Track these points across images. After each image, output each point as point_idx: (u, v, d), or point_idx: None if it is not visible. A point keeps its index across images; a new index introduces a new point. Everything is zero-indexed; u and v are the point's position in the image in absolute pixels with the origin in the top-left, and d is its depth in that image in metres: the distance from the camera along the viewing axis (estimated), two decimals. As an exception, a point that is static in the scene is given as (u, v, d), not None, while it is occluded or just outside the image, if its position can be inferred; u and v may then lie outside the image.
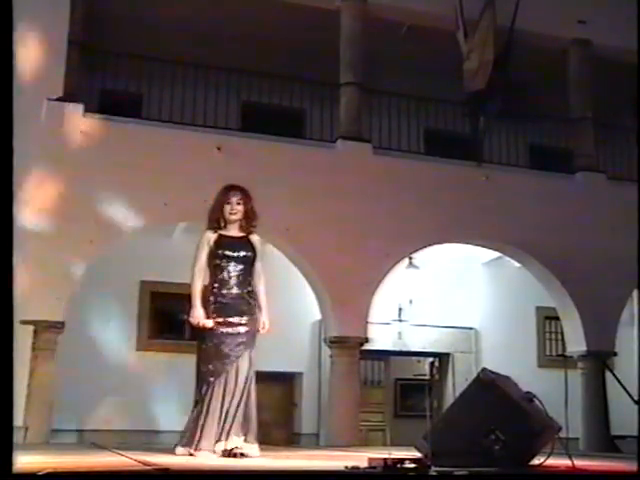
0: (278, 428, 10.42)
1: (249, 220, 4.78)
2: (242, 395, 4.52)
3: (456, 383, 11.21)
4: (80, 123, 8.06)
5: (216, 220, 4.76)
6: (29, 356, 7.39)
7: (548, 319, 11.41)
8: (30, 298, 7.40)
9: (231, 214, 4.74)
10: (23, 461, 4.03)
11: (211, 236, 4.72)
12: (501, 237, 9.48)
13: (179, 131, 8.49)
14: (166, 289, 10.02)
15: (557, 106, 10.08)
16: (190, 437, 4.52)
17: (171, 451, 4.83)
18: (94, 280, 8.44)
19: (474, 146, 9.76)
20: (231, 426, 4.47)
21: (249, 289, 4.71)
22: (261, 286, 4.77)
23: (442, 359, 11.57)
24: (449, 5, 9.32)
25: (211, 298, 4.64)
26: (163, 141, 8.34)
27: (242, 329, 4.61)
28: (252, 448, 4.53)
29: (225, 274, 4.65)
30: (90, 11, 8.64)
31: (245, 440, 4.52)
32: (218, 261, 4.67)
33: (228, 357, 4.54)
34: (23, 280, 7.40)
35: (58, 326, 7.60)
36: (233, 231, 4.76)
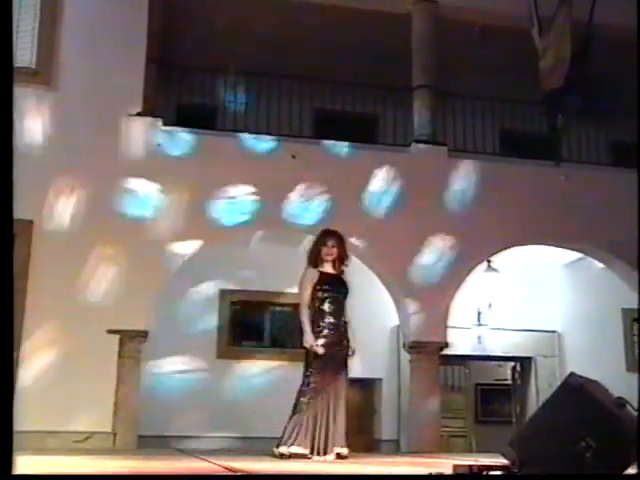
0: (358, 435, 10.37)
1: (342, 260, 5.63)
2: (340, 408, 5.31)
3: (539, 388, 10.95)
4: (159, 136, 8.27)
5: (314, 259, 5.59)
6: (115, 365, 7.61)
7: (636, 321, 11.01)
8: (115, 309, 7.65)
9: (327, 255, 5.57)
10: (112, 465, 4.15)
11: (314, 273, 5.53)
12: (583, 238, 9.20)
13: (254, 140, 8.60)
14: (245, 297, 10.19)
15: None
16: (290, 439, 5.21)
17: (253, 457, 4.90)
18: (175, 290, 8.63)
19: (552, 145, 9.52)
20: (332, 434, 5.22)
21: (344, 320, 5.56)
22: (350, 318, 5.59)
23: (524, 363, 11.31)
24: (522, 2, 9.12)
25: (314, 326, 5.41)
26: (238, 151, 8.47)
27: (339, 352, 5.45)
28: (344, 450, 5.29)
29: (325, 306, 5.48)
30: (165, 27, 8.87)
31: (341, 445, 5.27)
32: (319, 294, 5.49)
33: (329, 376, 5.33)
34: (109, 292, 7.64)
35: (142, 335, 7.80)
36: (328, 269, 5.59)
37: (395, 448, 10.03)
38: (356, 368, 9.80)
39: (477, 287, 10.09)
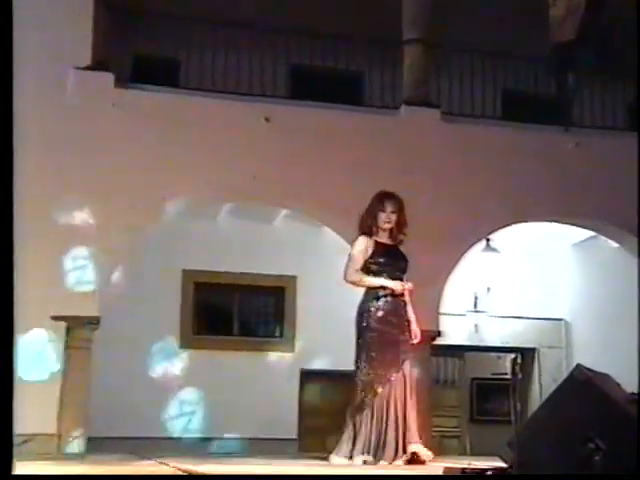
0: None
1: (400, 229, 5.39)
2: (410, 400, 5.24)
3: (543, 383, 11.08)
4: (111, 94, 8.16)
5: (368, 226, 5.35)
6: (61, 356, 7.55)
7: (651, 308, 11.13)
8: (61, 292, 7.57)
9: (385, 222, 5.35)
10: (57, 472, 4.12)
11: (369, 243, 5.30)
12: (595, 213, 9.26)
13: (222, 101, 8.54)
14: (212, 278, 10.17)
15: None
16: (357, 444, 5.11)
17: (218, 460, 4.89)
18: (131, 270, 8.57)
19: (561, 108, 9.54)
20: (407, 431, 5.17)
21: (403, 298, 5.35)
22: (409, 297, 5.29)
23: (526, 355, 11.42)
24: (529, -59, 9.10)
25: (370, 304, 5.23)
26: (204, 112, 8.39)
27: (400, 337, 5.30)
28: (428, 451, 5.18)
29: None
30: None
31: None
32: (374, 268, 5.29)
33: (391, 365, 5.18)
34: (54, 273, 7.56)
35: (93, 322, 7.72)
36: (384, 238, 5.37)
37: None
38: (344, 361, 9.92)
39: (474, 269, 10.15)
